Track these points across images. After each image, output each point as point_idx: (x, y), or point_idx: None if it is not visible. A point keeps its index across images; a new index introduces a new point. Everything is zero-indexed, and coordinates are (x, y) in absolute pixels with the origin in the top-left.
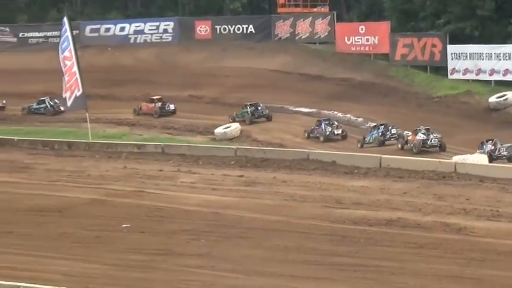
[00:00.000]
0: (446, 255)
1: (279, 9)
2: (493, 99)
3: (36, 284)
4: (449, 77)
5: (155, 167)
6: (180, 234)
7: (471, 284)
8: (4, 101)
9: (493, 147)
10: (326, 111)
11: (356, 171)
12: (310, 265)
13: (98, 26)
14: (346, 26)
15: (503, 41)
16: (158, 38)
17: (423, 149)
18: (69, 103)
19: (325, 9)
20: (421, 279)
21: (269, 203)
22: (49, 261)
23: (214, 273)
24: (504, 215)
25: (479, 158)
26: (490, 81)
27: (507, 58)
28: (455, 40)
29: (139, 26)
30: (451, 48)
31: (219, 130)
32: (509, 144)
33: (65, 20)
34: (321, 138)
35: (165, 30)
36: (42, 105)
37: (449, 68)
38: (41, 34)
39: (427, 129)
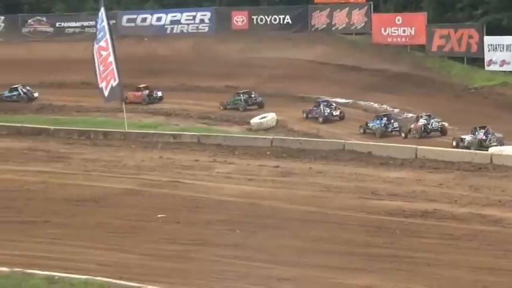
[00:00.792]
0: (481, 246)
1: (316, 0)
2: None
3: (71, 273)
4: (486, 68)
5: (191, 157)
6: (216, 224)
7: (507, 275)
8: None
9: (484, 137)
10: (362, 102)
11: (392, 162)
12: (345, 256)
13: (134, 16)
14: (383, 17)
15: None
16: (195, 28)
17: (425, 133)
18: (106, 93)
19: None
20: (457, 271)
21: (305, 193)
22: (84, 250)
23: (249, 264)
24: None
25: None
26: None
27: None
28: (492, 31)
29: (175, 16)
30: (488, 40)
31: (255, 120)
32: (500, 135)
33: (102, 10)
34: (320, 119)
35: (202, 21)
36: (14, 93)
37: (486, 59)
38: (78, 24)
39: (429, 115)
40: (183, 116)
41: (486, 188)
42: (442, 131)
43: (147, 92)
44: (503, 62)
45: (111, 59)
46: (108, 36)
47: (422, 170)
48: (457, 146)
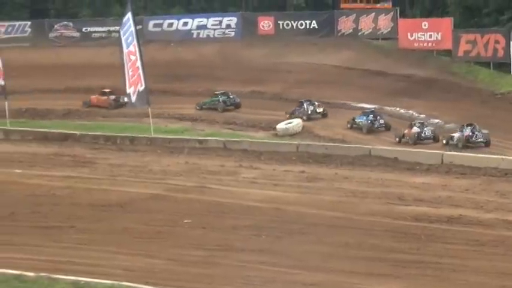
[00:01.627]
0: (508, 252)
1: (342, 5)
2: None
3: (97, 279)
4: None
5: (217, 162)
6: (241, 229)
7: None
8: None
9: (470, 133)
10: (388, 108)
11: (418, 167)
12: (371, 261)
13: (161, 21)
14: (409, 22)
15: None
16: (221, 33)
17: (418, 141)
18: (133, 98)
19: (388, 5)
20: (482, 277)
21: (330, 199)
22: (110, 256)
23: (275, 269)
24: None
25: None
26: None
27: None
28: None
29: (202, 21)
30: None
31: (281, 126)
32: (486, 131)
33: (129, 15)
34: (304, 118)
35: (228, 26)
36: None
37: None
38: (104, 29)
39: (422, 123)
40: (209, 122)
41: None
42: (435, 139)
43: (113, 96)
44: None
45: (139, 63)
46: (135, 41)
47: (449, 175)
48: (446, 144)
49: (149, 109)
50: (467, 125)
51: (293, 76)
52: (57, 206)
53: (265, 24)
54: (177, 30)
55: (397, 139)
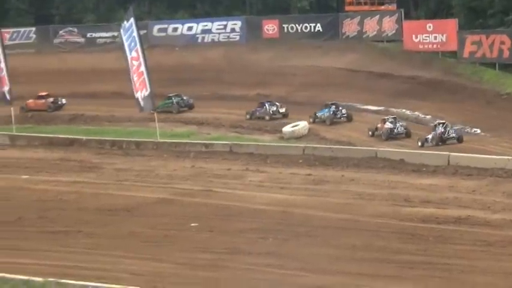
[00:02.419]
0: None
1: (347, 8)
2: None
3: (105, 283)
4: None
5: (223, 166)
6: (248, 232)
7: None
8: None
9: (443, 130)
10: (394, 109)
11: (424, 169)
12: (379, 263)
13: (165, 26)
14: (414, 24)
15: None
16: (226, 37)
17: (391, 136)
18: (142, 103)
19: (392, 7)
20: (490, 277)
21: (337, 201)
22: (117, 260)
23: (282, 272)
24: None
25: None
26: None
27: None
28: None
29: (206, 26)
30: None
31: (286, 129)
32: (458, 127)
33: (132, 20)
34: (267, 117)
35: (233, 30)
36: None
37: None
38: (109, 34)
39: (394, 118)
40: (215, 125)
41: None
42: (407, 134)
43: (51, 99)
44: None
45: (143, 68)
46: (138, 46)
47: (455, 176)
48: (422, 146)
49: (155, 114)
50: (440, 123)
51: (298, 79)
52: (64, 211)
53: (270, 27)
54: (181, 34)
55: (370, 133)
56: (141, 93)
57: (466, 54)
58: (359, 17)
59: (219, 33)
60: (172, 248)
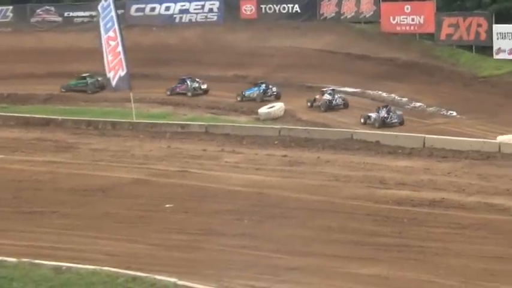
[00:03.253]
0: (490, 235)
1: None
2: None
3: (79, 264)
4: (495, 56)
5: (199, 146)
6: (224, 214)
7: None
8: None
9: (386, 115)
10: (371, 91)
11: (400, 151)
12: (354, 245)
13: (143, 6)
14: (392, 6)
15: None
16: (203, 17)
17: (329, 107)
18: (113, 83)
19: None
20: (465, 260)
21: (313, 183)
22: (92, 241)
23: (257, 253)
24: None
25: None
26: None
27: None
28: (501, 19)
29: (184, 6)
30: (497, 28)
31: (263, 110)
32: (400, 112)
33: (110, 0)
34: (189, 94)
35: (210, 10)
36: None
37: (495, 47)
38: (86, 13)
39: (333, 90)
40: (191, 106)
41: (494, 176)
42: (345, 105)
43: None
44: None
45: (120, 48)
46: (116, 26)
47: (431, 159)
48: (364, 123)
49: (131, 94)
50: (383, 107)
51: (276, 60)
52: (39, 191)
53: (248, 8)
54: (159, 14)
55: (309, 104)
56: (116, 73)
57: (443, 37)
58: None
59: (197, 14)
60: (147, 229)
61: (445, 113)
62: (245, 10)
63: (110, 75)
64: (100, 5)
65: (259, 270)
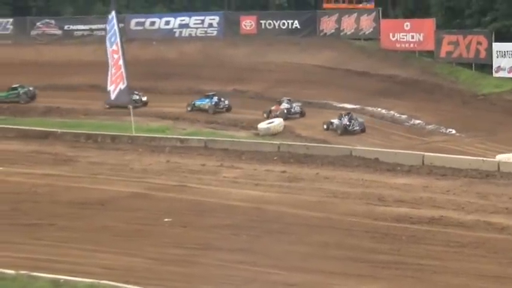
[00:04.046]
0: (488, 254)
1: (325, 5)
2: None
3: (77, 277)
4: (494, 75)
5: (198, 161)
6: (221, 229)
7: None
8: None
9: (348, 122)
10: (370, 108)
11: (399, 168)
12: (351, 262)
13: (143, 20)
14: (391, 23)
15: None
16: (203, 32)
17: (288, 116)
18: (113, 96)
19: (370, 5)
20: (463, 278)
21: (311, 199)
22: (90, 254)
23: (255, 269)
24: None
25: None
26: None
27: None
28: (500, 38)
29: (184, 20)
30: (497, 46)
31: (262, 125)
32: (362, 120)
33: (113, 14)
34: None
35: (210, 25)
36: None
37: (495, 65)
38: (86, 27)
39: (289, 99)
40: (191, 121)
41: (493, 195)
42: (301, 114)
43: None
44: (511, 69)
45: (121, 62)
46: (118, 39)
47: (430, 176)
48: (327, 129)
49: (131, 107)
50: (345, 114)
51: (275, 75)
52: (38, 203)
53: (248, 23)
54: (159, 28)
55: (265, 115)
56: (116, 86)
57: (442, 54)
58: (337, 14)
59: (197, 28)
60: (145, 243)
61: (444, 131)
62: (245, 25)
63: (111, 88)
64: (107, 17)
65: (256, 286)
